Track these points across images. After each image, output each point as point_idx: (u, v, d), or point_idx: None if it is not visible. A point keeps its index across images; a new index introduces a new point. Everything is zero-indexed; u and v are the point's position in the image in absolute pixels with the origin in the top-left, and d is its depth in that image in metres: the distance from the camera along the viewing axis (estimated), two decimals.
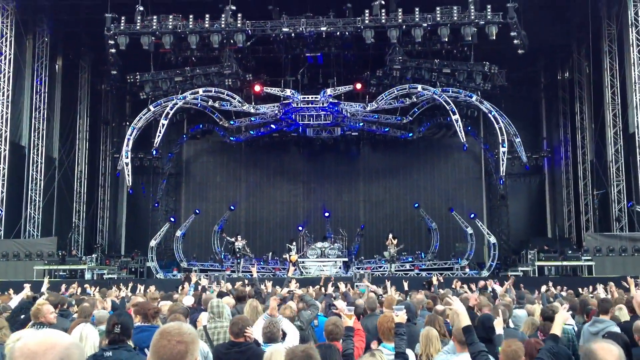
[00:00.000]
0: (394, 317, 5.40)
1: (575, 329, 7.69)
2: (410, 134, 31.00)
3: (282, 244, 28.69)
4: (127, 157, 26.53)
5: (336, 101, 27.64)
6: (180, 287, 14.85)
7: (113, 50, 26.27)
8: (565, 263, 24.26)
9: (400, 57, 26.81)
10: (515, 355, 4.92)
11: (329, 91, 27.38)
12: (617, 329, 6.65)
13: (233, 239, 27.07)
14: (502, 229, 31.55)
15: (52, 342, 1.96)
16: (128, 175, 26.53)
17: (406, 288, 12.87)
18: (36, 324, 6.62)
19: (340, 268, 26.62)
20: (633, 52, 24.43)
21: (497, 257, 27.03)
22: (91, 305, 8.46)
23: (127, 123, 30.02)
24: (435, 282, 13.43)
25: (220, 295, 10.24)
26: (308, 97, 27.64)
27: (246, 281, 16.97)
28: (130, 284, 16.79)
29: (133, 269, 28.30)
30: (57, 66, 29.62)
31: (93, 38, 28.61)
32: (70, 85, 30.47)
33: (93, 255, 26.74)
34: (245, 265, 26.55)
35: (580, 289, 13.92)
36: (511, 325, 7.76)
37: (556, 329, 5.57)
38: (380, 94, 27.59)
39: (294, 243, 27.27)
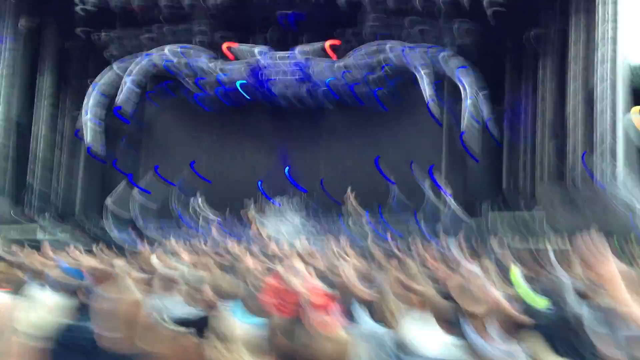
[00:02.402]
0: None
1: None
2: (379, 88, 30.83)
3: (242, 203, 28.41)
4: (87, 114, 25.95)
5: (305, 57, 27.42)
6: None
7: (80, 8, 25.41)
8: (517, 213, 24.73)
9: (371, 15, 26.63)
10: None
11: (298, 48, 27.16)
12: None
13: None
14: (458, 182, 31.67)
15: None
16: (87, 133, 25.93)
17: None
18: None
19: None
20: (600, 7, 24.57)
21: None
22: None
23: (90, 82, 29.18)
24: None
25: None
26: (277, 54, 27.35)
27: None
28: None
29: (87, 228, 27.86)
30: (20, 25, 28.55)
31: None
32: (34, 45, 29.46)
33: (46, 214, 26.19)
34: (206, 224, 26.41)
35: None
36: None
37: None
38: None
39: (253, 199, 27.14)
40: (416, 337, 5.09)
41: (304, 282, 6.01)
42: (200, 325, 4.83)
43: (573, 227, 18.48)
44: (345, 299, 6.04)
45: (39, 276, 7.39)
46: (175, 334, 2.23)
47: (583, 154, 24.87)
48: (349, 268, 7.03)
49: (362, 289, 5.42)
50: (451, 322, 4.92)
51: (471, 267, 8.40)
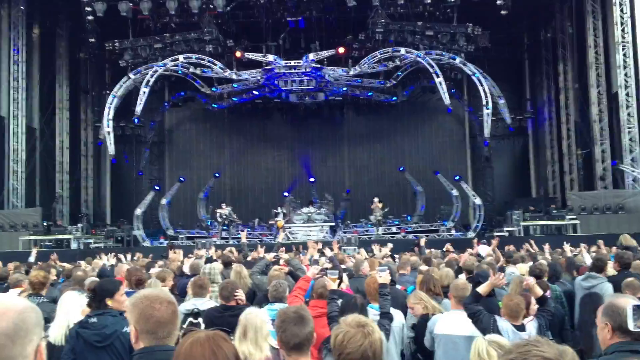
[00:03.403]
0: (377, 278, 5.46)
1: (559, 288, 7.80)
2: (394, 98, 30.91)
3: (268, 210, 28.67)
4: (109, 126, 26.24)
5: (319, 66, 27.44)
6: (164, 255, 14.89)
7: (90, 17, 25.79)
8: (550, 222, 24.54)
9: (382, 20, 26.57)
10: (518, 307, 5.01)
11: (311, 56, 27.14)
12: (609, 285, 6.79)
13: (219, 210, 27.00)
14: (487, 190, 31.76)
15: (4, 308, 1.78)
16: (110, 144, 26.28)
17: (387, 251, 12.96)
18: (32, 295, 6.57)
19: (327, 233, 26.69)
20: (616, 10, 24.40)
21: (483, 218, 27.26)
22: (84, 273, 8.46)
23: (107, 91, 29.55)
24: (422, 243, 13.53)
25: (209, 261, 10.29)
26: (290, 62, 27.42)
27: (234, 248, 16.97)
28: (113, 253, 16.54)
29: (119, 238, 28.16)
30: (34, 35, 28.97)
31: (70, 5, 27.96)
32: (49, 54, 29.86)
33: (79, 225, 26.61)
34: (236, 231, 26.57)
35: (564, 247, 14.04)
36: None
37: (536, 290, 5.67)
38: (363, 58, 27.38)
39: (280, 208, 27.23)
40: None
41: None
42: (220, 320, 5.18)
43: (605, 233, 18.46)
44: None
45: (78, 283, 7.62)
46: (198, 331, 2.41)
47: (613, 163, 24.70)
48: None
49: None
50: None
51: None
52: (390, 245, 13.79)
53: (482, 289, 5.22)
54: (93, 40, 27.82)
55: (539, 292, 5.67)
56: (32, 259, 12.62)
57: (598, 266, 7.43)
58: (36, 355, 1.81)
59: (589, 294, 7.04)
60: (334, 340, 3.00)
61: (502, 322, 4.88)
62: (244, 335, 4.29)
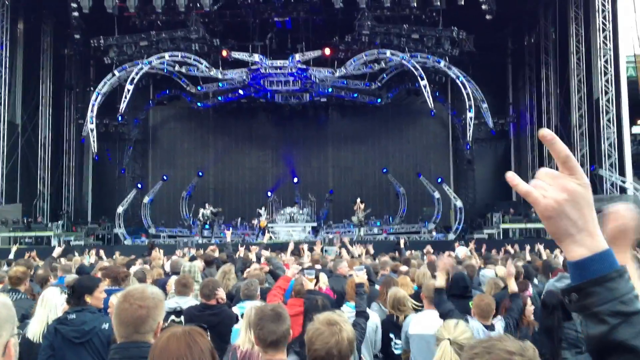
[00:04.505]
0: (354, 278, 5.56)
1: (533, 290, 7.92)
2: (379, 100, 31.09)
3: (252, 209, 28.71)
4: (92, 123, 26.15)
5: (305, 67, 27.52)
6: (145, 254, 14.86)
7: (76, 14, 25.65)
8: (529, 225, 24.81)
9: (369, 23, 26.69)
10: (488, 307, 5.12)
11: (297, 56, 27.23)
12: None
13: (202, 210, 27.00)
14: (468, 193, 32.01)
15: None
16: (93, 141, 26.18)
17: (371, 252, 13.12)
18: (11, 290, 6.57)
19: (309, 233, 26.80)
20: (598, 17, 24.67)
21: (464, 220, 27.51)
22: (45, 271, 8.47)
23: (92, 88, 29.38)
24: (402, 244, 13.66)
25: (191, 259, 10.34)
26: (276, 63, 27.47)
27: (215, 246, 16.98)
28: (93, 250, 16.34)
29: (100, 236, 28.06)
30: (18, 30, 28.71)
31: (55, 0, 27.80)
32: (33, 50, 29.57)
33: (59, 222, 26.46)
34: (219, 230, 26.59)
35: (542, 250, 14.23)
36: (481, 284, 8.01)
37: (512, 287, 5.81)
38: (349, 59, 27.50)
39: (264, 208, 27.27)
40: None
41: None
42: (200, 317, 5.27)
43: None
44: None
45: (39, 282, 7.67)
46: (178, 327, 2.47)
47: (592, 168, 24.98)
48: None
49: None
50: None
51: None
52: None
53: (438, 282, 5.37)
54: (78, 36, 27.67)
55: (515, 288, 5.80)
56: (11, 256, 12.55)
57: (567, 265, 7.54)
58: (5, 351, 1.79)
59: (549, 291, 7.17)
60: (305, 337, 3.09)
61: (473, 322, 4.99)
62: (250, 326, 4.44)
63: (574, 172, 1.29)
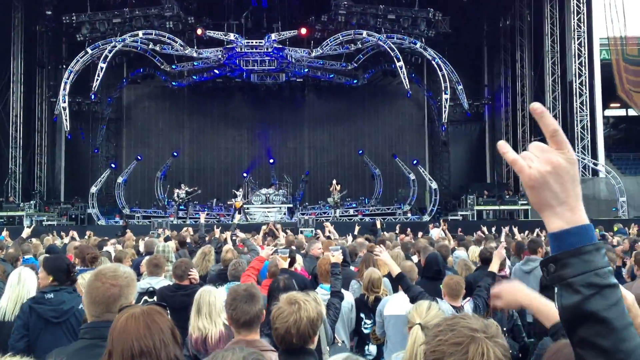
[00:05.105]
0: (330, 257, 5.57)
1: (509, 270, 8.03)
2: (355, 81, 31.04)
3: (227, 190, 28.60)
4: (65, 102, 25.73)
5: (281, 46, 27.35)
6: (119, 234, 14.79)
7: None
8: (502, 207, 25.12)
9: (345, 2, 26.58)
10: (458, 286, 5.18)
11: (273, 36, 27.03)
12: None
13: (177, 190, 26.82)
14: (443, 174, 32.26)
15: None
16: (66, 120, 25.80)
17: (356, 232, 13.20)
18: None
19: (284, 214, 26.80)
20: (572, 0, 24.89)
21: (438, 202, 27.75)
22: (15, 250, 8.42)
23: (64, 66, 28.85)
24: (378, 225, 13.74)
25: (165, 240, 10.30)
26: (252, 42, 27.24)
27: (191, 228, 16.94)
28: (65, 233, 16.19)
29: (73, 216, 27.72)
30: None
31: None
32: (3, 26, 28.90)
33: (31, 202, 26.10)
34: (194, 211, 26.49)
35: (517, 232, 14.42)
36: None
37: (493, 266, 5.85)
38: (325, 39, 27.37)
39: (240, 189, 27.18)
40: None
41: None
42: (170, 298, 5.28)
43: None
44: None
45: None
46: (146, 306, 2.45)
47: None
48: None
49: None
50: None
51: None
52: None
53: (391, 269, 5.41)
54: (49, 12, 27.14)
55: (494, 268, 5.86)
56: None
57: (532, 248, 7.68)
58: None
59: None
60: (271, 317, 3.14)
61: (443, 304, 5.04)
62: (199, 312, 4.37)
63: (562, 146, 1.34)
